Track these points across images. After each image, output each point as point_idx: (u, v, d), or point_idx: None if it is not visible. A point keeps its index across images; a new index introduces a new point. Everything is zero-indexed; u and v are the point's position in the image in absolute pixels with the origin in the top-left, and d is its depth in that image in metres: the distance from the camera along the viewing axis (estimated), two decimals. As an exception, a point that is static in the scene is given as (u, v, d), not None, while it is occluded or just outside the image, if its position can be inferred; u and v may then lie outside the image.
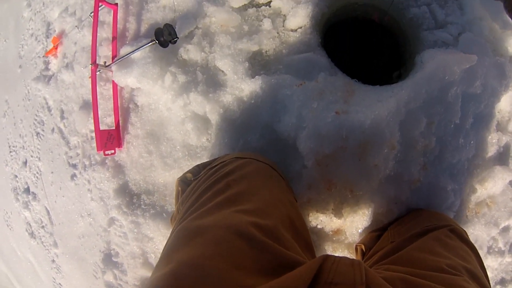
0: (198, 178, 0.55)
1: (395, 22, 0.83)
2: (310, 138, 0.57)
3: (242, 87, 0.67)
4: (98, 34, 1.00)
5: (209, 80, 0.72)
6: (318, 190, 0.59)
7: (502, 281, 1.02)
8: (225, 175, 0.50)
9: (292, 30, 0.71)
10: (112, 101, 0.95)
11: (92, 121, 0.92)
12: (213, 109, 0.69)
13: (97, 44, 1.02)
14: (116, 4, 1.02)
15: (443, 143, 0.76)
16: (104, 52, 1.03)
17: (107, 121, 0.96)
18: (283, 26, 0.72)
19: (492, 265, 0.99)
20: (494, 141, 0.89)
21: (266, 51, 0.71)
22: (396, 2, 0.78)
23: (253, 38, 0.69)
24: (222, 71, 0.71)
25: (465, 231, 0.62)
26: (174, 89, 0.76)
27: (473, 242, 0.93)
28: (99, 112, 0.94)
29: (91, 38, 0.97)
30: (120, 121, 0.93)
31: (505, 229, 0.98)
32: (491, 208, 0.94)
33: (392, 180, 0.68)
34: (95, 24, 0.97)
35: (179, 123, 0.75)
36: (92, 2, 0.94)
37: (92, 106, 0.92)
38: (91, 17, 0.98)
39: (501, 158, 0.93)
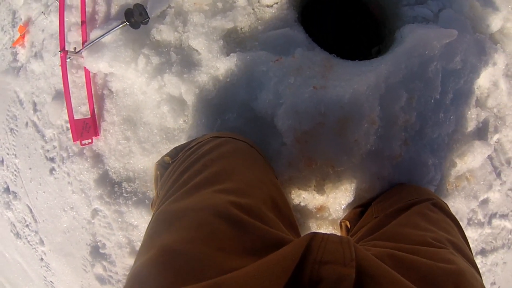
0: (176, 161, 0.53)
1: None
2: (288, 115, 0.55)
3: (217, 65, 0.64)
4: (66, 19, 0.94)
5: (183, 61, 0.68)
6: (298, 167, 0.58)
7: (482, 251, 1.07)
8: (203, 155, 0.48)
9: (268, 6, 0.68)
10: (86, 89, 0.90)
11: (66, 111, 0.87)
12: (188, 89, 0.66)
13: (66, 30, 0.95)
14: (84, -15, 0.95)
15: (424, 118, 0.76)
16: (74, 38, 0.97)
17: (82, 110, 0.92)
18: (259, 2, 0.69)
19: (473, 236, 1.03)
20: (473, 117, 0.90)
21: (241, 28, 0.68)
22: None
23: (228, 15, 0.66)
24: (197, 51, 0.68)
25: (446, 204, 0.63)
26: (148, 71, 0.72)
27: (454, 213, 0.96)
28: (73, 101, 0.89)
29: (58, 23, 0.90)
30: (95, 109, 0.88)
31: (484, 202, 1.01)
32: (470, 182, 0.96)
33: (374, 155, 0.68)
34: (62, 8, 0.91)
35: (155, 106, 0.72)
36: (58, -16, 0.87)
37: (64, 95, 0.87)
38: (58, 1, 0.92)
39: (480, 133, 0.95)
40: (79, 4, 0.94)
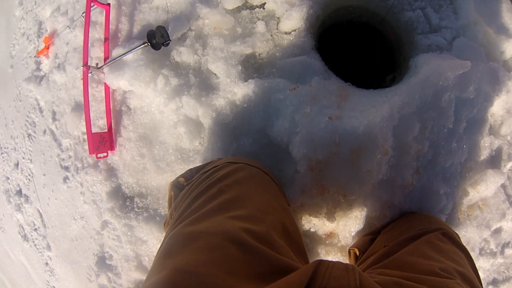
0: (191, 183, 0.55)
1: (390, 26, 0.82)
2: (303, 143, 0.56)
3: (235, 90, 0.66)
4: (90, 35, 0.98)
5: (201, 83, 0.71)
6: (311, 194, 0.59)
7: (494, 282, 1.04)
8: (218, 180, 0.50)
9: (286, 33, 0.70)
10: (104, 103, 0.93)
11: (84, 123, 0.90)
12: (205, 112, 0.68)
13: (89, 45, 0.99)
14: (109, 4, 0.99)
15: (436, 147, 0.75)
16: (96, 53, 1.01)
17: (99, 124, 0.94)
18: (277, 28, 0.71)
19: (484, 266, 1.00)
20: (486, 145, 0.89)
21: (260, 54, 0.70)
22: (391, 4, 0.77)
23: (247, 40, 0.68)
24: (215, 74, 0.70)
25: (457, 234, 0.62)
26: (167, 92, 0.74)
27: (465, 244, 0.94)
28: (91, 115, 0.92)
29: (83, 38, 0.95)
30: (112, 124, 0.91)
31: (497, 231, 0.99)
32: (483, 211, 0.94)
33: (385, 184, 0.67)
34: (87, 25, 0.95)
35: (171, 126, 0.74)
36: (84, 2, 0.91)
37: (84, 108, 0.90)
38: (83, 17, 0.96)
39: (493, 162, 0.94)
40: (104, 21, 0.99)
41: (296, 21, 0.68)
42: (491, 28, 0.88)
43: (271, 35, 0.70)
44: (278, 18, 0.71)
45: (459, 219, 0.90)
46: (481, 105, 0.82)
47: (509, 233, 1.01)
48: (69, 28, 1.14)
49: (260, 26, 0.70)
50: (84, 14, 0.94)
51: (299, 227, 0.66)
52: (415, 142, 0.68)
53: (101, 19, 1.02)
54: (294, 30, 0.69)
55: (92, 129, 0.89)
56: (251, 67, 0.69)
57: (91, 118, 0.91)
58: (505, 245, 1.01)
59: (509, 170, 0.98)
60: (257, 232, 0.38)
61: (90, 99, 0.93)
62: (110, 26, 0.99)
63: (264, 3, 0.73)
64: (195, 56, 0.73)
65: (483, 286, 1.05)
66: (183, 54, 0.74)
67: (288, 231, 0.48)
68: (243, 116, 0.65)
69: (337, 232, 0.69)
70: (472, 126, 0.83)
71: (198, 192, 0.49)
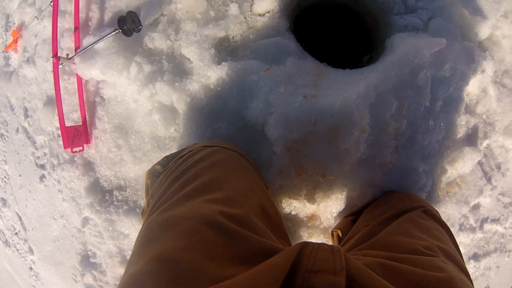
0: (167, 169, 0.53)
1: (366, 6, 0.82)
2: (278, 124, 0.55)
3: (209, 74, 0.64)
4: (59, 25, 0.94)
5: (175, 69, 0.68)
6: (289, 176, 0.58)
7: (475, 256, 1.07)
8: (193, 164, 0.49)
9: (259, 15, 0.69)
10: (77, 96, 0.89)
11: (58, 118, 0.86)
12: (180, 98, 0.66)
13: (59, 36, 0.95)
14: (77, -10, 0.94)
15: (414, 125, 0.76)
16: (67, 44, 0.96)
17: (73, 117, 0.91)
18: (251, 10, 0.69)
19: (465, 241, 1.04)
20: (463, 123, 0.91)
21: (233, 37, 0.68)
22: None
23: (220, 24, 0.66)
24: (188, 59, 0.68)
25: (437, 211, 0.63)
26: (140, 79, 0.72)
27: (445, 220, 0.96)
28: (65, 108, 0.88)
29: (51, 29, 0.90)
30: (86, 116, 0.87)
31: (475, 207, 1.02)
32: (461, 188, 0.97)
33: (365, 163, 0.68)
34: (55, 14, 0.91)
35: (146, 114, 0.71)
36: (52, -10, 0.86)
37: (56, 102, 0.86)
38: (51, 6, 0.91)
39: (469, 139, 0.96)
40: (73, 9, 0.94)
41: (270, 3, 0.67)
42: (467, 10, 0.89)
43: (245, 18, 0.69)
44: (252, 0, 0.69)
45: (438, 196, 0.92)
46: (457, 84, 0.84)
47: (487, 209, 1.04)
48: (37, 19, 1.08)
49: (234, 9, 0.68)
50: (52, 3, 0.89)
51: (279, 210, 0.65)
52: (392, 120, 0.69)
53: (70, 7, 0.97)
54: (268, 12, 0.68)
55: (66, 123, 0.86)
56: (225, 50, 0.67)
57: (64, 111, 0.87)
58: (484, 220, 1.05)
59: (485, 147, 1.01)
60: (235, 215, 0.37)
61: (62, 92, 0.89)
62: (80, 15, 0.94)
63: None
64: (168, 41, 0.70)
65: (465, 260, 1.09)
66: (155, 40, 0.72)
67: (268, 214, 0.47)
68: (218, 99, 0.63)
69: (318, 214, 0.68)
70: (448, 105, 0.84)
71: (174, 177, 0.48)
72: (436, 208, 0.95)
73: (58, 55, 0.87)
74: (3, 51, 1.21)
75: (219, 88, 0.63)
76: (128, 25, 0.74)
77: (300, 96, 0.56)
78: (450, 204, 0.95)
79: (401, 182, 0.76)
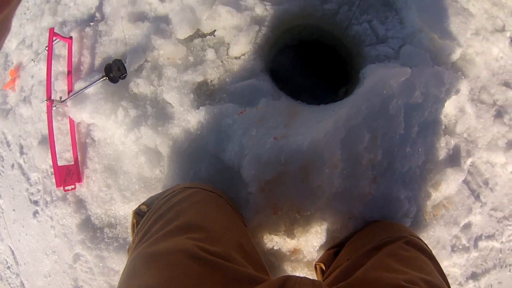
0: (151, 209, 0.58)
1: (339, 40, 0.90)
2: (251, 165, 0.61)
3: (189, 118, 0.72)
4: (54, 68, 1.04)
5: (158, 113, 0.76)
6: (265, 214, 0.64)
7: (474, 275, 1.07)
8: (175, 204, 0.55)
9: (235, 58, 0.77)
10: (70, 136, 0.98)
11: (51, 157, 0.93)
12: (163, 142, 0.73)
13: (53, 78, 1.05)
14: (71, 37, 1.05)
15: (391, 154, 0.81)
16: (60, 86, 1.06)
17: (66, 156, 0.98)
18: (227, 54, 0.77)
19: (460, 262, 1.04)
20: (443, 145, 0.96)
21: (211, 81, 0.76)
22: (339, 21, 0.85)
23: (198, 69, 0.75)
24: (170, 104, 0.76)
25: (421, 239, 0.65)
26: (126, 123, 0.79)
27: (435, 243, 0.98)
28: (58, 147, 0.97)
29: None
30: (78, 156, 0.95)
31: (466, 226, 1.04)
32: (448, 209, 1.00)
33: (342, 196, 0.72)
34: (49, 59, 1.01)
35: (133, 156, 0.79)
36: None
37: (49, 143, 0.94)
38: (46, 50, 1.01)
39: (452, 160, 1.00)
40: (67, 54, 1.04)
41: (244, 46, 0.75)
42: (436, 34, 0.97)
43: (222, 61, 0.77)
44: (228, 44, 0.78)
45: (425, 221, 0.95)
46: (432, 108, 0.89)
47: (479, 226, 1.06)
48: (34, 61, 1.19)
49: (210, 54, 0.76)
50: (47, 47, 0.99)
51: (261, 246, 0.70)
52: (366, 152, 0.74)
53: (65, 52, 1.08)
54: (243, 54, 0.76)
55: (59, 162, 0.94)
56: (204, 94, 0.75)
57: (57, 151, 0.95)
58: (478, 238, 1.07)
59: (470, 166, 1.05)
60: (215, 252, 0.43)
61: (56, 132, 0.98)
62: (73, 59, 1.05)
63: (215, 30, 0.79)
64: (151, 87, 0.79)
65: (463, 281, 1.08)
66: (140, 86, 0.80)
67: (246, 250, 0.53)
68: (198, 143, 0.70)
69: (300, 248, 0.73)
70: (425, 129, 0.90)
71: (158, 216, 0.53)
72: (424, 232, 0.98)
73: (52, 98, 0.97)
74: (1, 89, 1.31)
75: (198, 132, 0.70)
76: (114, 72, 0.83)
77: (270, 138, 0.63)
78: (439, 226, 0.97)
79: (383, 211, 0.80)
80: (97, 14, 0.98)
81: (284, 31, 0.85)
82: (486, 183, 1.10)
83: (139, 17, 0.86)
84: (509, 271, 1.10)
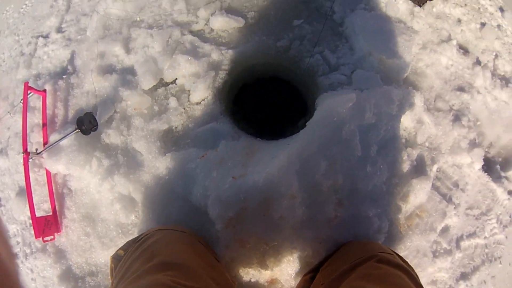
0: (127, 252, 0.66)
1: (295, 73, 1.02)
2: (215, 205, 0.70)
3: (157, 165, 0.81)
4: (29, 120, 1.14)
5: (129, 162, 0.86)
6: (235, 249, 0.72)
7: (463, 275, 1.12)
8: (150, 246, 0.64)
9: (196, 104, 0.88)
10: (47, 187, 1.05)
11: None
12: (135, 189, 0.82)
13: (29, 130, 1.14)
14: (45, 90, 1.16)
15: (352, 176, 0.90)
16: (36, 138, 1.15)
17: (44, 207, 1.05)
18: (189, 101, 0.89)
19: (445, 266, 1.09)
20: (405, 158, 1.06)
21: (176, 128, 0.87)
22: (292, 56, 0.98)
23: (163, 117, 0.85)
24: (140, 152, 0.85)
25: (394, 254, 0.70)
26: (100, 173, 0.88)
27: (415, 252, 1.05)
28: (35, 198, 1.04)
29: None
30: (56, 206, 1.03)
31: (444, 230, 1.11)
32: (422, 217, 1.08)
33: (308, 223, 0.81)
34: (25, 113, 1.11)
35: (109, 204, 0.87)
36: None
37: (27, 195, 1.01)
38: (22, 103, 1.10)
39: (418, 170, 1.10)
40: (41, 106, 1.14)
41: (204, 91, 0.86)
42: (384, 55, 1.10)
43: (184, 108, 0.88)
44: (189, 91, 0.89)
45: (401, 233, 1.03)
46: (388, 125, 1.00)
47: (457, 228, 1.13)
48: (10, 114, 1.28)
49: (173, 102, 0.87)
50: (22, 101, 1.09)
51: (239, 279, 0.78)
52: (325, 179, 0.84)
53: (39, 104, 1.18)
54: (204, 100, 0.87)
55: (37, 213, 1.01)
56: (169, 141, 0.85)
57: (35, 202, 1.02)
58: (459, 239, 1.13)
59: (436, 172, 1.14)
60: (192, 286, 0.50)
61: (33, 183, 1.05)
62: (47, 111, 1.14)
63: (176, 79, 0.91)
64: (122, 136, 0.89)
65: (453, 283, 1.12)
66: (111, 136, 0.90)
67: (219, 283, 0.60)
68: (167, 187, 0.80)
69: (277, 277, 0.80)
70: (385, 146, 1.01)
71: (134, 258, 0.62)
72: (401, 244, 1.04)
73: (28, 150, 1.05)
74: (-23, 143, 1.38)
75: (167, 177, 0.79)
76: (85, 125, 0.93)
77: (229, 178, 0.72)
78: (415, 236, 1.04)
79: (355, 231, 0.87)
80: (69, 67, 1.10)
81: (241, 71, 0.97)
82: (456, 185, 1.19)
83: (107, 70, 0.98)
84: (500, 263, 1.16)
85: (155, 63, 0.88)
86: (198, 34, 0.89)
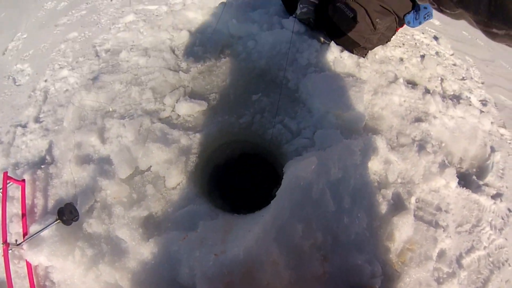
0: None
1: (262, 147, 1.14)
2: (202, 282, 0.78)
3: (142, 251, 0.89)
4: (8, 210, 1.18)
5: (113, 250, 0.92)
6: (227, 324, 0.77)
7: None
8: None
9: (172, 188, 0.98)
10: (28, 280, 1.07)
11: (11, 306, 1.01)
12: (122, 276, 0.88)
13: (8, 221, 1.18)
14: (24, 180, 1.22)
15: (331, 230, 1.00)
16: (15, 229, 1.19)
17: (27, 303, 1.06)
18: (165, 186, 0.99)
19: None
20: (381, 200, 1.17)
21: (156, 213, 0.96)
22: (255, 129, 1.11)
23: (142, 204, 0.94)
24: (123, 239, 0.92)
25: None
26: (84, 263, 0.94)
27: (418, 285, 1.07)
28: (17, 293, 1.04)
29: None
30: (39, 302, 1.04)
31: (441, 254, 1.16)
32: (414, 250, 1.14)
33: (298, 284, 0.88)
34: (4, 204, 1.16)
35: (95, 295, 0.91)
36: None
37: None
38: (1, 193, 1.15)
39: (397, 207, 1.20)
40: (20, 196, 1.19)
41: (177, 176, 0.97)
42: (340, 110, 1.26)
43: (161, 194, 0.97)
44: (163, 177, 0.99)
45: (397, 271, 1.09)
46: (356, 175, 1.13)
47: (453, 248, 1.19)
48: (-14, 204, 1.32)
49: (150, 189, 0.97)
50: (1, 190, 1.14)
51: None
52: (304, 239, 0.93)
53: (18, 194, 1.24)
54: (178, 184, 0.98)
55: (19, 310, 1.01)
56: (151, 226, 0.94)
57: (17, 297, 1.03)
58: (458, 258, 1.19)
59: (416, 202, 1.24)
60: None
61: (13, 275, 1.08)
62: (27, 201, 1.20)
63: (151, 166, 1.01)
64: (103, 225, 0.96)
65: None
66: (93, 225, 0.97)
67: None
68: (154, 271, 0.86)
69: None
70: (357, 195, 1.12)
71: None
72: (400, 282, 1.09)
73: (8, 241, 1.08)
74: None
75: (152, 262, 0.87)
76: (66, 216, 1.00)
77: (212, 255, 0.80)
78: (412, 270, 1.08)
79: (349, 281, 0.93)
80: (47, 157, 1.18)
81: (211, 153, 1.10)
82: (438, 209, 1.28)
83: (84, 160, 1.07)
84: (509, 265, 1.20)
85: (130, 152, 0.98)
86: (167, 121, 1.02)
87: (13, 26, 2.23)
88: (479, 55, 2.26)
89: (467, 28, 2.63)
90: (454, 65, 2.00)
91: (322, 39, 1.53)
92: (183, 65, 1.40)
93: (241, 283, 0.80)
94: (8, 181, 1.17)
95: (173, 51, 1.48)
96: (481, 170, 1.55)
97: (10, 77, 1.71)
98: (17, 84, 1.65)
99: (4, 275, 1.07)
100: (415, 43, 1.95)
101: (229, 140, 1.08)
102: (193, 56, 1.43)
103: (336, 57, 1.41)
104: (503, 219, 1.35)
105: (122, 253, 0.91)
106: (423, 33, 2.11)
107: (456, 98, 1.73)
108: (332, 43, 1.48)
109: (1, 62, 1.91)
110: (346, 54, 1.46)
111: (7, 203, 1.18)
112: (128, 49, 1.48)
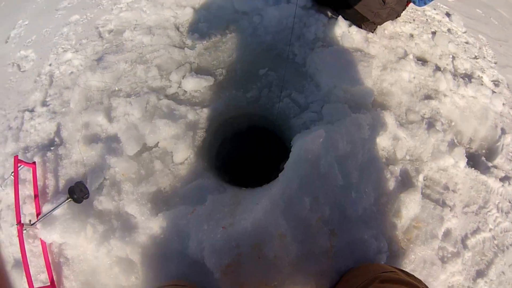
0: None
1: (269, 120, 1.18)
2: (210, 255, 0.83)
3: (151, 225, 0.94)
4: (21, 192, 1.25)
5: (123, 225, 0.98)
6: (236, 294, 0.82)
7: (479, 273, 1.19)
8: None
9: (180, 164, 1.02)
10: (43, 258, 1.15)
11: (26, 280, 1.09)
12: (133, 250, 0.94)
13: (21, 202, 1.25)
14: (34, 162, 1.29)
15: (339, 205, 1.03)
16: (29, 210, 1.27)
17: (41, 278, 1.15)
18: (173, 162, 1.03)
19: (457, 269, 1.15)
20: (389, 176, 1.20)
21: (164, 188, 1.01)
22: (263, 103, 1.14)
23: (150, 180, 0.99)
24: (132, 215, 0.98)
25: (397, 271, 0.77)
26: (96, 238, 1.00)
27: (422, 263, 1.11)
28: (32, 270, 1.13)
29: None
30: (54, 276, 1.12)
31: (446, 234, 1.19)
32: (420, 228, 1.17)
33: (305, 258, 0.92)
34: (16, 185, 1.23)
35: (107, 268, 0.98)
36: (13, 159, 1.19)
37: (23, 267, 1.10)
38: (12, 176, 1.22)
39: (405, 184, 1.22)
40: (32, 178, 1.26)
41: (185, 151, 1.01)
42: (348, 84, 1.27)
43: (169, 169, 1.02)
44: (171, 152, 1.04)
45: (402, 248, 1.13)
46: (364, 150, 1.15)
47: (459, 228, 1.22)
48: (1, 187, 1.41)
49: (158, 165, 1.02)
50: (13, 173, 1.21)
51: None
52: (312, 213, 0.97)
53: (30, 176, 1.31)
54: (186, 159, 1.02)
55: (35, 284, 1.10)
56: (160, 201, 0.99)
57: (32, 273, 1.11)
58: (463, 238, 1.21)
59: (424, 180, 1.26)
60: None
61: (28, 254, 1.15)
62: (38, 183, 1.27)
63: (158, 142, 1.05)
64: (113, 202, 1.01)
65: (471, 284, 1.18)
66: (103, 202, 1.03)
67: None
68: (164, 245, 0.92)
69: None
70: (365, 171, 1.14)
71: None
72: (406, 259, 1.13)
73: (22, 221, 1.15)
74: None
75: (162, 236, 0.92)
76: (77, 194, 1.06)
77: (220, 228, 0.85)
78: (417, 248, 1.12)
79: (355, 257, 0.97)
80: (56, 139, 1.24)
81: (218, 127, 1.13)
82: (446, 188, 1.30)
83: (93, 139, 1.12)
84: None
85: (137, 129, 1.03)
86: (173, 97, 1.06)
87: (14, 14, 2.28)
88: (492, 34, 2.21)
89: (480, 5, 2.56)
90: (467, 43, 1.96)
91: (329, 13, 1.53)
92: (188, 41, 1.43)
93: (249, 256, 0.84)
94: (19, 164, 1.24)
95: (178, 29, 1.50)
96: (491, 152, 1.55)
97: (15, 64, 1.77)
98: (22, 70, 1.71)
99: (20, 254, 1.14)
100: (426, 19, 1.92)
101: (237, 114, 1.11)
102: (198, 32, 1.46)
103: (344, 32, 1.42)
104: (510, 202, 1.37)
105: (132, 228, 0.97)
106: (434, 9, 2.07)
107: (468, 77, 1.71)
108: (340, 18, 1.47)
109: (5, 50, 1.97)
110: (354, 29, 1.46)
111: (19, 185, 1.24)
112: (132, 28, 1.51)
